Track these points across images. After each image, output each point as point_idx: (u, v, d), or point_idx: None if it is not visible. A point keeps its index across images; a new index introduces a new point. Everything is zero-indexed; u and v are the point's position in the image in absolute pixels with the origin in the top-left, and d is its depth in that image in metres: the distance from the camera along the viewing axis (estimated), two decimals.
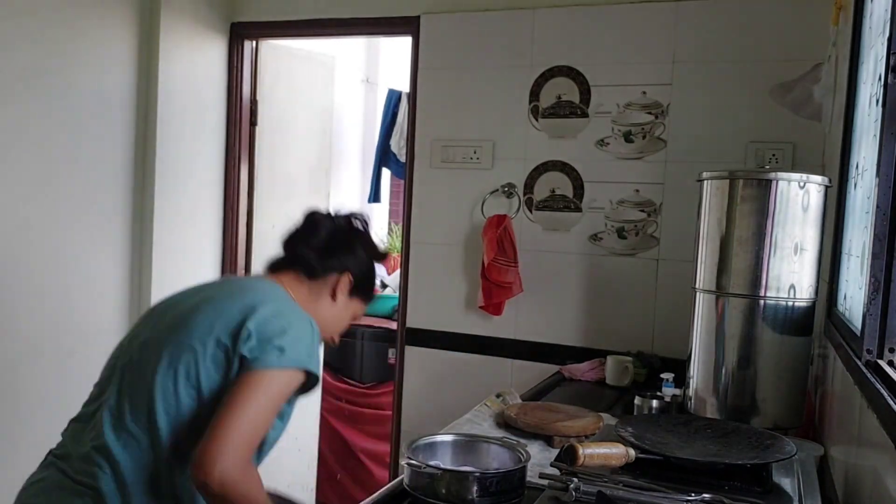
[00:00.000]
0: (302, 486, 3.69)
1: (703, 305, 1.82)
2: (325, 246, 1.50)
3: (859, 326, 1.29)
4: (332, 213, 1.55)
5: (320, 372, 1.36)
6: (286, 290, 1.43)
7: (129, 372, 1.34)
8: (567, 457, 1.26)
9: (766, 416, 1.73)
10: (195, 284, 1.48)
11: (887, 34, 1.24)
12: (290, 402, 1.37)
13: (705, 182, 1.82)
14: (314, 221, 1.54)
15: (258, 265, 3.43)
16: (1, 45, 2.41)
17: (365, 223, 1.58)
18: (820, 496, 1.33)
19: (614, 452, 1.30)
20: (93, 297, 2.80)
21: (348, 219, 1.55)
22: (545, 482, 1.25)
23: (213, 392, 1.27)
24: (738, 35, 2.53)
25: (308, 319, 1.37)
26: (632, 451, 1.30)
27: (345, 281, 1.49)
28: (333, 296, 1.49)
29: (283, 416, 1.37)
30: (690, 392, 1.85)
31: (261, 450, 1.35)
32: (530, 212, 2.82)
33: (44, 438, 2.83)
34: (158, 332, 1.35)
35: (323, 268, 1.48)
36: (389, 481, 1.41)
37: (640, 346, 2.65)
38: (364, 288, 1.54)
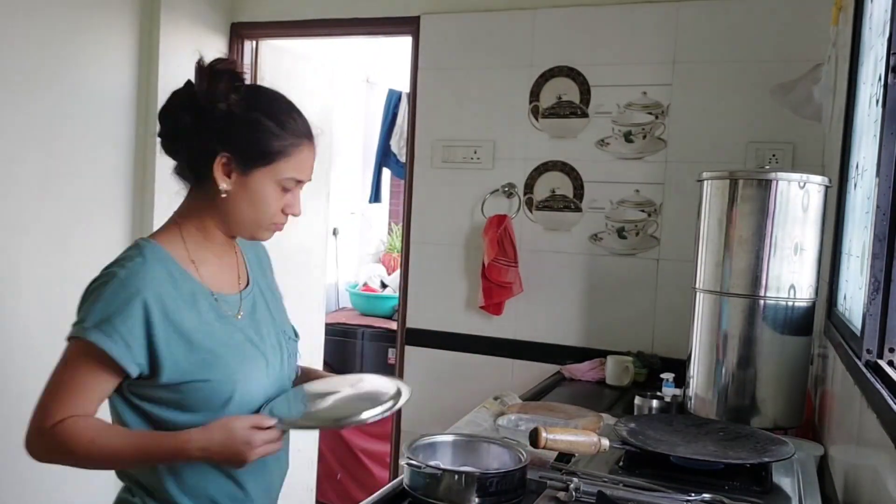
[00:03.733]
0: (302, 486, 3.69)
1: (703, 305, 1.82)
2: (174, 138, 1.26)
3: (859, 326, 1.29)
4: (184, 88, 1.30)
5: (116, 342, 1.14)
6: (151, 242, 1.25)
7: None
8: (531, 441, 1.28)
9: (766, 416, 1.73)
10: None
11: (887, 34, 1.25)
12: (161, 384, 1.17)
13: (705, 182, 1.82)
14: (160, 117, 1.30)
15: None
16: (1, 46, 2.41)
17: (223, 71, 1.29)
18: (820, 496, 1.33)
19: (581, 440, 1.30)
20: None
21: (190, 86, 1.29)
22: (545, 482, 1.25)
23: None
24: (738, 35, 2.54)
25: (122, 272, 1.18)
26: (605, 441, 1.30)
27: (218, 165, 1.22)
28: (217, 188, 1.23)
29: (175, 403, 1.19)
30: (690, 392, 1.86)
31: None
32: (530, 212, 2.82)
33: None
34: None
35: (194, 170, 1.25)
36: (389, 481, 1.41)
37: (640, 346, 2.65)
38: (251, 157, 1.23)
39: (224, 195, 1.24)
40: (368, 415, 1.19)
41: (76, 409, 1.17)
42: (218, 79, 1.28)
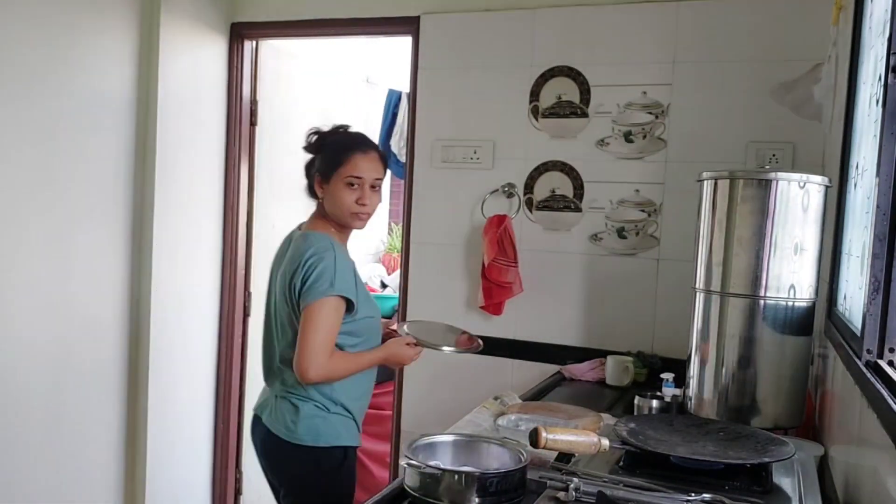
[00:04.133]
0: None
1: (703, 305, 1.82)
2: (306, 174, 1.99)
3: (859, 326, 1.29)
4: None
5: (350, 292, 1.83)
6: (314, 231, 1.92)
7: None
8: (531, 440, 1.28)
9: (766, 416, 1.73)
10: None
11: (887, 34, 1.24)
12: (354, 319, 1.87)
13: (705, 182, 1.82)
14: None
15: (258, 265, 3.44)
16: (1, 46, 2.41)
17: (328, 131, 1.99)
18: (820, 496, 1.33)
19: (581, 440, 1.30)
20: (93, 296, 2.80)
21: (308, 142, 1.99)
22: (545, 482, 1.25)
23: (294, 325, 1.86)
24: (738, 35, 2.53)
25: (331, 256, 1.82)
26: (605, 441, 1.30)
27: (316, 181, 1.94)
28: (319, 196, 1.95)
29: (351, 332, 1.88)
30: (690, 392, 1.85)
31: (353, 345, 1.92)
32: (530, 212, 2.82)
33: (43, 437, 2.84)
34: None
35: (309, 189, 1.98)
36: (389, 481, 1.41)
37: (640, 346, 2.65)
38: (328, 169, 1.90)
39: (323, 200, 1.96)
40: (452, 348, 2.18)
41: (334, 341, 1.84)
42: (328, 132, 2.02)
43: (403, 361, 2.00)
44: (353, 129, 2.03)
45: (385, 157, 2.01)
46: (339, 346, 1.87)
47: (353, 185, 1.89)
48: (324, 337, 1.79)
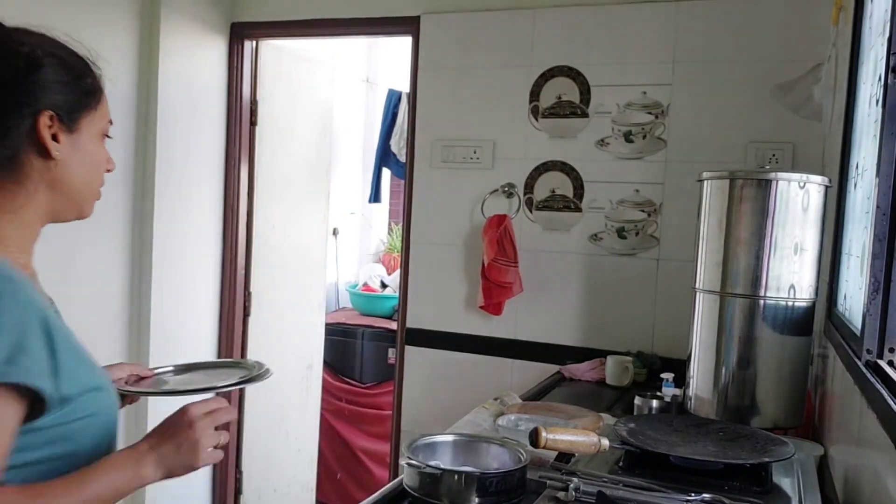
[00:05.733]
0: (302, 486, 3.69)
1: (703, 305, 1.82)
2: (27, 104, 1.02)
3: (859, 326, 1.29)
4: None
5: (32, 374, 0.89)
6: None
7: None
8: (531, 440, 1.28)
9: (766, 416, 1.73)
10: None
11: (887, 34, 1.24)
12: (58, 412, 0.94)
13: (705, 182, 1.82)
14: None
15: (258, 265, 3.44)
16: None
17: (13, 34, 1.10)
18: (820, 496, 1.33)
19: (581, 440, 1.30)
20: (93, 296, 2.80)
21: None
22: (545, 482, 1.25)
23: None
24: (738, 35, 2.53)
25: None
26: (605, 441, 1.30)
27: (44, 125, 1.03)
28: (47, 154, 1.04)
29: (57, 439, 0.95)
30: (690, 392, 1.85)
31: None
32: (530, 212, 2.82)
33: None
34: None
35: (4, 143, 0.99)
36: (389, 481, 1.41)
37: (640, 346, 2.65)
38: (75, 105, 1.10)
39: (57, 163, 1.07)
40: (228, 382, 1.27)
41: None
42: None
43: (195, 462, 1.01)
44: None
45: None
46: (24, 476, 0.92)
47: (108, 135, 1.25)
48: None
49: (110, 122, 1.19)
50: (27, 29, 1.15)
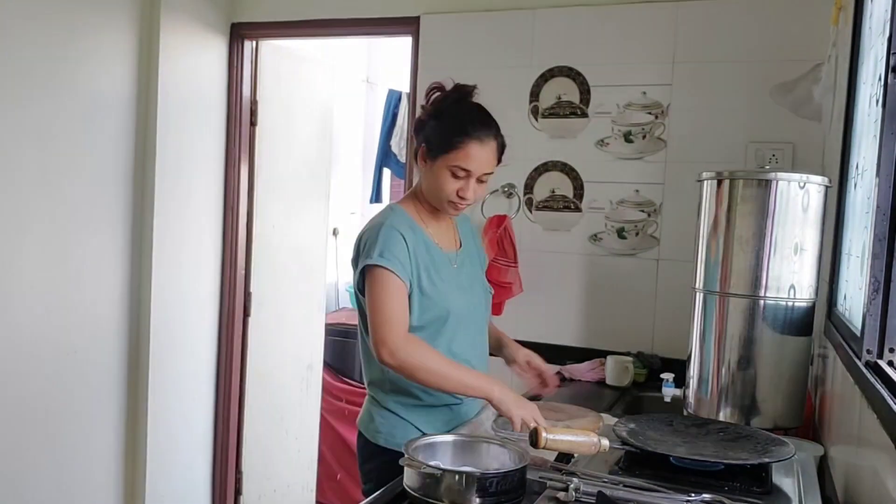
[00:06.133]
0: (302, 486, 3.69)
1: (703, 305, 1.82)
2: (415, 134, 1.75)
3: (859, 326, 1.29)
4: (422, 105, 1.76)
5: (392, 263, 1.60)
6: (392, 204, 1.76)
7: None
8: (531, 441, 1.28)
9: (766, 416, 1.73)
10: None
11: (887, 34, 1.24)
12: (419, 288, 1.65)
13: (705, 182, 1.82)
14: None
15: (258, 265, 3.44)
16: (2, 46, 2.41)
17: (440, 93, 1.72)
18: (820, 497, 1.33)
19: (581, 440, 1.30)
20: (93, 296, 2.80)
21: (424, 106, 1.74)
22: (545, 482, 1.25)
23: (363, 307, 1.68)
24: (738, 35, 2.53)
25: (379, 226, 1.65)
26: (605, 441, 1.30)
27: (421, 151, 1.70)
28: (420, 168, 1.72)
29: (425, 294, 1.66)
30: (690, 392, 1.85)
31: (434, 329, 1.68)
32: (530, 212, 2.82)
33: (44, 438, 2.84)
34: None
35: (414, 154, 1.75)
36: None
37: (640, 346, 2.65)
38: (437, 147, 1.66)
39: (423, 175, 1.74)
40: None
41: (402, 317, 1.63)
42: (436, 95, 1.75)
43: (514, 410, 1.56)
44: (476, 98, 1.76)
45: (503, 143, 1.74)
46: None
47: (458, 175, 1.65)
48: (386, 309, 1.59)
49: (466, 170, 1.66)
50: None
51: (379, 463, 1.70)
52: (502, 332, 2.02)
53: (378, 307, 1.59)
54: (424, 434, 1.63)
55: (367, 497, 1.59)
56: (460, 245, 1.83)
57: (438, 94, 1.73)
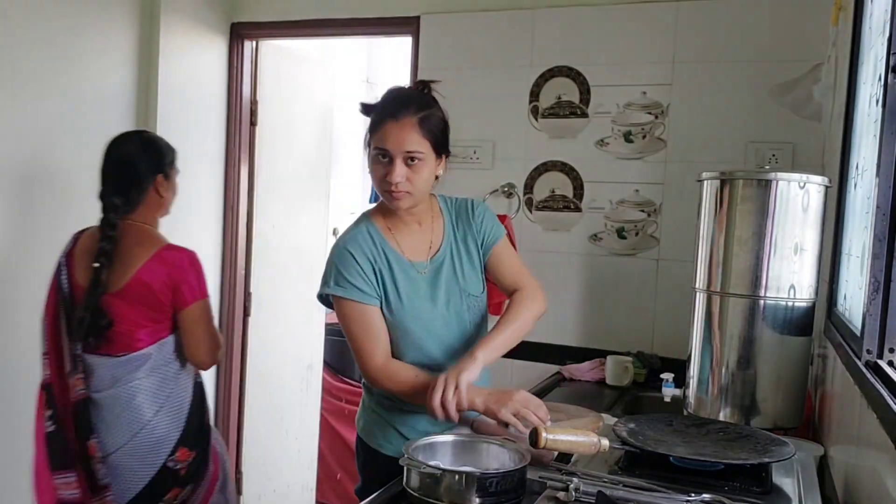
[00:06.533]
0: (302, 486, 3.69)
1: (703, 305, 1.82)
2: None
3: (859, 326, 1.29)
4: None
5: (346, 291, 1.62)
6: (363, 214, 1.73)
7: None
8: (531, 441, 1.28)
9: (766, 416, 1.73)
10: None
11: (887, 34, 1.24)
12: (386, 300, 1.63)
13: (705, 182, 1.82)
14: None
15: (258, 265, 3.44)
16: (2, 46, 2.41)
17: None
18: (820, 496, 1.33)
19: (581, 440, 1.30)
20: None
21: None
22: (545, 482, 1.25)
23: None
24: (738, 35, 2.53)
25: (334, 249, 1.68)
26: (605, 441, 1.30)
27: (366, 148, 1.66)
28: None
29: (390, 309, 1.63)
30: (690, 392, 1.85)
31: (405, 341, 1.65)
32: (530, 212, 2.82)
33: None
34: None
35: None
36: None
37: (640, 346, 2.65)
38: (367, 138, 1.64)
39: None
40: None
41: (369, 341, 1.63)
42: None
43: (495, 408, 1.50)
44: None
45: (436, 121, 1.64)
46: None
47: (380, 160, 1.58)
48: (353, 341, 1.63)
49: (385, 151, 1.60)
50: None
51: (362, 458, 1.77)
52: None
53: (348, 337, 1.64)
54: (401, 434, 1.69)
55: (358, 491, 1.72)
56: (438, 249, 1.72)
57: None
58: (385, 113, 1.58)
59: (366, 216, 1.71)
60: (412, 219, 1.69)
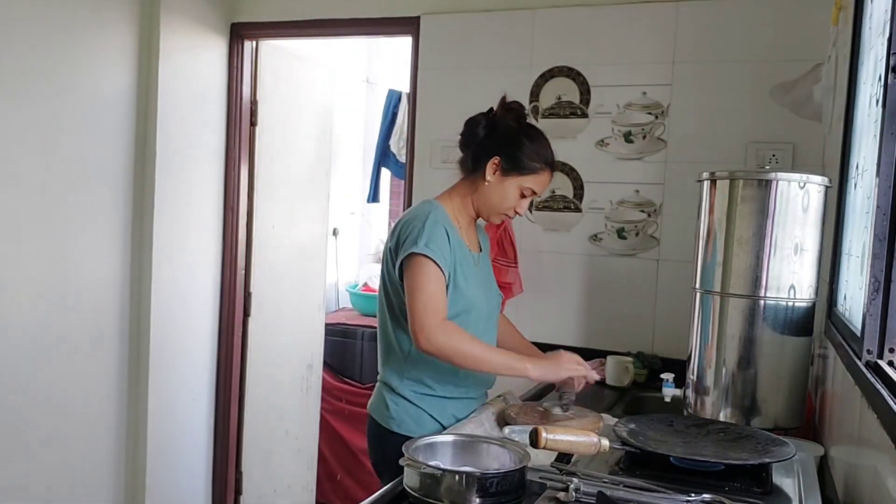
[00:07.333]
0: (302, 487, 3.69)
1: (703, 305, 1.82)
2: (469, 141, 1.87)
3: (859, 326, 1.29)
4: (486, 112, 1.89)
5: (435, 254, 1.69)
6: (433, 200, 1.83)
7: None
8: (531, 440, 1.28)
9: (766, 416, 1.73)
10: None
11: (887, 34, 1.24)
12: (454, 281, 1.75)
13: (705, 182, 1.82)
14: (466, 125, 1.90)
15: (258, 265, 3.44)
16: (2, 46, 2.41)
17: (514, 108, 1.86)
18: (820, 496, 1.33)
19: (581, 440, 1.30)
20: (93, 296, 2.80)
21: (491, 111, 1.88)
22: (545, 482, 1.25)
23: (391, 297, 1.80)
24: (738, 35, 2.53)
25: (423, 218, 1.74)
26: (605, 441, 1.30)
27: (494, 163, 1.80)
28: (485, 179, 1.81)
29: (457, 287, 1.75)
30: (690, 392, 1.85)
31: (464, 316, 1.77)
32: (530, 212, 2.82)
33: (44, 437, 2.83)
34: None
35: (473, 160, 1.85)
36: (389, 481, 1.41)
37: (640, 346, 2.65)
38: (514, 166, 1.79)
39: (486, 184, 1.82)
40: None
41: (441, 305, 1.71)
42: (509, 109, 1.87)
43: (559, 372, 1.79)
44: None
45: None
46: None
47: (524, 194, 1.82)
48: (424, 296, 1.67)
49: (534, 192, 1.84)
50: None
51: (390, 447, 1.76)
52: (525, 341, 2.09)
53: (419, 293, 1.68)
54: (434, 419, 1.78)
55: (380, 478, 1.79)
56: (480, 248, 1.95)
57: (510, 111, 1.87)
58: (547, 163, 1.83)
59: (437, 203, 1.84)
60: (472, 217, 1.91)
